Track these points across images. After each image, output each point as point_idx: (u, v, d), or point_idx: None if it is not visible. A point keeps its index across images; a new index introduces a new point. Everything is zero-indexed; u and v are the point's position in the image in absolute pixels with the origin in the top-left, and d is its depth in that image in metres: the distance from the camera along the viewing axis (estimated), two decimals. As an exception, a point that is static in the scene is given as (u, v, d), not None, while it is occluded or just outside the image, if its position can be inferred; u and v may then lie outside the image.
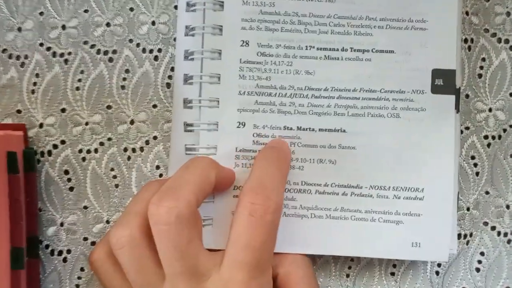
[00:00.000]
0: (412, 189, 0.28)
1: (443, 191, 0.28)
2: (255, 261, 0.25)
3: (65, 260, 0.31)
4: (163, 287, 0.25)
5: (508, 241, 0.31)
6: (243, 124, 0.29)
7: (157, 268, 0.25)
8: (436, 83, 0.29)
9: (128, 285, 0.26)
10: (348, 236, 0.28)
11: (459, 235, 0.31)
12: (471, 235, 0.31)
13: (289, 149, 0.29)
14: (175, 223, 0.24)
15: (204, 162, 0.27)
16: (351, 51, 0.29)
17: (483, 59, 0.32)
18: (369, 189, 0.29)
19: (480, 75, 0.32)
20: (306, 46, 0.29)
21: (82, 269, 0.31)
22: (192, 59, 0.29)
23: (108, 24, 0.31)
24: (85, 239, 0.31)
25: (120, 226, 0.25)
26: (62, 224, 0.31)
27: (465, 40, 0.32)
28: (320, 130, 0.29)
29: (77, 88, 0.31)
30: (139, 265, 0.25)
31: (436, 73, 0.29)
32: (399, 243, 0.28)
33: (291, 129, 0.29)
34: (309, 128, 0.29)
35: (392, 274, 0.31)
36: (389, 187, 0.28)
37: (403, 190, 0.28)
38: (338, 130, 0.29)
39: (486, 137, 0.32)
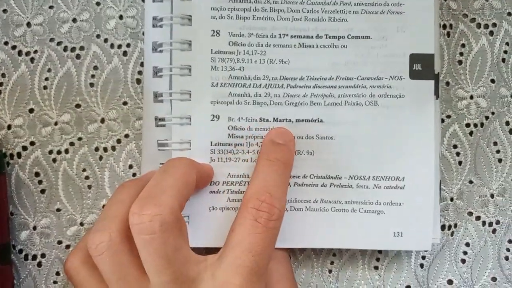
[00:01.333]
0: (393, 178, 0.28)
1: (424, 179, 0.28)
2: (255, 266, 0.24)
3: (39, 264, 0.30)
4: None
5: (493, 231, 0.31)
6: (217, 117, 0.28)
7: (140, 274, 0.24)
8: (414, 68, 0.28)
9: None
10: (329, 228, 0.28)
11: (443, 226, 0.30)
12: (455, 225, 0.31)
13: (294, 143, 0.28)
14: (159, 232, 0.23)
15: (183, 163, 0.26)
16: (326, 38, 0.28)
17: (463, 45, 0.31)
18: (349, 179, 0.28)
19: (460, 62, 0.31)
20: (280, 34, 0.28)
21: (57, 273, 0.30)
22: (161, 51, 0.28)
23: (74, 20, 0.30)
24: (60, 242, 0.30)
25: (98, 232, 0.24)
26: (35, 228, 0.30)
27: (444, 26, 0.31)
28: (297, 120, 0.28)
29: (45, 87, 0.30)
30: (121, 271, 0.24)
31: (414, 58, 0.28)
32: (380, 233, 0.27)
33: (267, 120, 0.28)
34: (286, 119, 0.28)
35: (376, 268, 0.30)
36: (369, 176, 0.28)
37: (383, 179, 0.28)
38: (315, 120, 0.28)
39: (468, 125, 0.31)
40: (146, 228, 0.23)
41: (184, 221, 0.24)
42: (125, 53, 0.30)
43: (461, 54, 0.31)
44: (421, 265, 0.30)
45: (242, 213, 0.25)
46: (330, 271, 0.30)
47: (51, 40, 0.30)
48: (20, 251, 0.30)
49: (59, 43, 0.30)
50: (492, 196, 0.31)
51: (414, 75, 0.28)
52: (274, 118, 0.28)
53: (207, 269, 0.24)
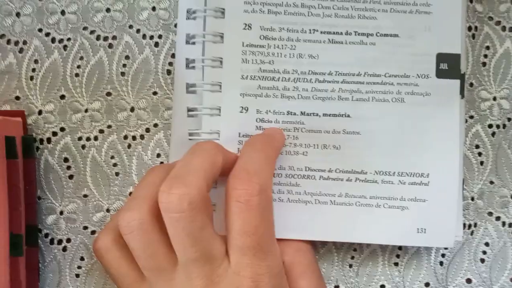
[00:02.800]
0: (417, 175, 0.28)
1: (449, 176, 0.28)
2: (256, 244, 0.24)
3: (64, 249, 0.30)
4: (176, 271, 0.25)
5: (513, 231, 0.31)
6: (246, 109, 0.28)
7: (169, 252, 0.25)
8: (440, 67, 0.28)
9: (135, 271, 0.26)
10: (353, 222, 0.28)
11: (463, 225, 0.31)
12: (475, 225, 0.31)
13: (282, 134, 0.28)
14: (187, 210, 0.23)
15: (210, 146, 0.26)
16: (355, 35, 0.28)
17: (487, 47, 0.31)
18: (374, 174, 0.28)
19: (484, 64, 0.31)
20: (310, 30, 0.28)
21: (82, 259, 0.30)
22: (194, 43, 0.28)
23: (108, 10, 0.31)
24: (85, 228, 0.30)
25: (129, 211, 0.25)
26: (61, 213, 0.30)
27: (469, 28, 0.31)
28: (324, 115, 0.28)
29: (77, 75, 0.31)
30: (151, 249, 0.25)
31: (441, 57, 0.28)
32: (404, 229, 0.28)
33: (294, 114, 0.28)
34: (313, 113, 0.28)
35: (396, 264, 0.31)
36: (394, 172, 0.28)
37: (408, 175, 0.28)
38: (342, 115, 0.28)
39: (490, 126, 0.31)
40: (174, 207, 0.23)
41: (210, 202, 0.25)
42: (156, 44, 0.31)
43: (485, 56, 0.31)
44: (441, 263, 0.31)
45: (226, 197, 0.25)
46: (350, 266, 0.31)
47: (84, 28, 0.31)
48: (46, 235, 0.30)
49: (92, 32, 0.31)
50: (512, 197, 0.31)
51: (440, 74, 0.28)
52: (301, 112, 0.28)
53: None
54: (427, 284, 0.31)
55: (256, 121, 0.28)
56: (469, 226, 0.31)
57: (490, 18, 0.31)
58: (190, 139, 0.28)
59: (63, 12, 0.31)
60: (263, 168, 0.26)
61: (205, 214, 0.24)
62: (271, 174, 0.26)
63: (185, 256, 0.24)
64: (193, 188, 0.24)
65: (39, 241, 0.30)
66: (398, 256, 0.31)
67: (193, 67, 0.28)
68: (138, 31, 0.31)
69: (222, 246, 0.25)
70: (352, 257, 0.31)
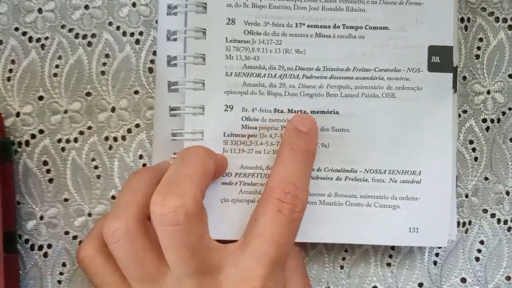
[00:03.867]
0: (409, 172, 0.27)
1: (441, 173, 0.27)
2: (278, 256, 0.24)
3: (45, 255, 0.29)
4: (166, 281, 0.24)
5: (508, 229, 0.30)
6: (231, 107, 0.27)
7: (158, 260, 0.24)
8: (432, 61, 0.27)
9: (121, 281, 0.25)
10: (343, 223, 0.27)
11: (457, 223, 0.30)
12: (470, 223, 0.30)
13: (317, 130, 0.27)
14: (184, 222, 0.22)
15: (201, 152, 0.25)
16: (344, 28, 0.27)
17: (480, 39, 0.30)
18: (364, 173, 0.27)
19: (477, 56, 0.30)
20: (296, 24, 0.27)
21: (64, 265, 0.29)
22: (175, 39, 0.27)
23: (86, 7, 0.29)
24: (67, 233, 0.29)
25: (114, 219, 0.24)
26: (42, 218, 0.29)
27: (462, 20, 0.30)
28: (312, 112, 0.27)
29: (55, 75, 0.29)
30: (138, 258, 0.24)
31: (433, 50, 0.27)
32: (396, 229, 0.27)
33: (282, 111, 0.27)
34: (301, 111, 0.27)
35: (388, 264, 0.30)
36: (385, 170, 0.27)
37: (399, 173, 0.27)
38: (331, 112, 0.27)
39: (484, 120, 0.30)
40: (170, 220, 0.22)
41: (204, 209, 0.24)
42: (137, 42, 0.29)
43: (479, 48, 0.30)
44: (435, 263, 0.30)
45: (265, 203, 0.25)
46: (341, 267, 0.30)
47: (63, 27, 0.29)
48: (27, 241, 0.29)
49: (70, 30, 0.29)
50: (507, 193, 0.30)
51: (432, 67, 0.27)
52: (289, 109, 0.27)
53: (228, 257, 0.24)
54: (420, 285, 0.30)
55: (242, 119, 0.27)
56: (464, 224, 0.30)
57: (483, 9, 0.30)
58: (173, 139, 0.27)
59: (40, 10, 0.29)
60: (306, 185, 0.26)
61: (201, 223, 0.23)
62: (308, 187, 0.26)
63: (181, 269, 0.23)
64: (188, 199, 0.23)
65: (19, 247, 0.29)
66: (390, 256, 0.30)
67: (175, 65, 0.27)
68: (118, 28, 0.29)
69: (221, 253, 0.24)
70: (344, 258, 0.30)
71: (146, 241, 0.24)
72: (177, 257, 0.23)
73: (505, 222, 0.30)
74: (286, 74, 0.27)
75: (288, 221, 0.24)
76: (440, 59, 0.27)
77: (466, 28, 0.30)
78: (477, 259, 0.30)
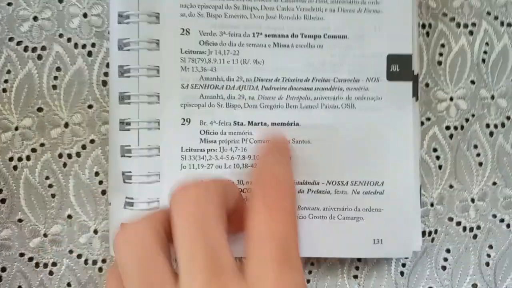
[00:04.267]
0: (372, 183, 0.27)
1: (404, 184, 0.27)
2: (281, 251, 0.21)
3: (0, 279, 0.28)
4: None
5: (474, 236, 0.30)
6: (188, 120, 0.26)
7: None
8: (391, 70, 0.27)
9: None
10: (306, 236, 0.26)
11: (423, 233, 0.29)
12: (436, 232, 0.30)
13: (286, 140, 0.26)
14: None
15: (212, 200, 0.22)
16: (302, 37, 0.27)
17: (442, 45, 0.30)
18: (327, 184, 0.26)
19: (439, 62, 0.30)
20: (253, 33, 0.26)
21: (19, 288, 0.28)
22: (128, 49, 0.26)
23: (35, 18, 0.28)
24: (22, 254, 0.28)
25: None
26: (-7, 240, 0.28)
27: (423, 25, 0.30)
28: (272, 124, 0.27)
29: (4, 90, 0.28)
30: None
31: (392, 59, 0.27)
32: (360, 241, 0.26)
33: (241, 124, 0.26)
34: (261, 123, 0.27)
35: (355, 276, 0.29)
36: (347, 181, 0.26)
37: (362, 184, 0.27)
38: (291, 123, 0.27)
39: (448, 127, 0.30)
40: None
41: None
42: (90, 54, 0.28)
43: (441, 54, 0.30)
44: (401, 273, 0.29)
45: (253, 204, 0.23)
46: (308, 281, 0.29)
47: (10, 39, 0.28)
48: (-22, 264, 0.28)
49: (19, 43, 0.28)
50: (472, 200, 0.30)
51: (391, 76, 0.27)
52: (248, 122, 0.26)
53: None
54: (388, 296, 0.29)
55: (200, 133, 0.26)
56: (430, 233, 0.30)
57: (444, 15, 0.30)
58: (125, 156, 0.26)
59: (-14, 22, 0.28)
60: (288, 172, 0.24)
61: None
62: (293, 178, 0.25)
63: None
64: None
65: (-31, 272, 0.28)
66: (357, 268, 0.29)
67: (128, 76, 0.26)
68: (69, 40, 0.28)
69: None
70: (310, 272, 0.29)
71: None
72: None
73: (471, 229, 0.30)
74: (245, 86, 0.26)
75: (277, 213, 0.22)
76: (399, 67, 0.27)
77: (428, 34, 0.30)
78: (444, 267, 0.30)
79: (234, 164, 0.26)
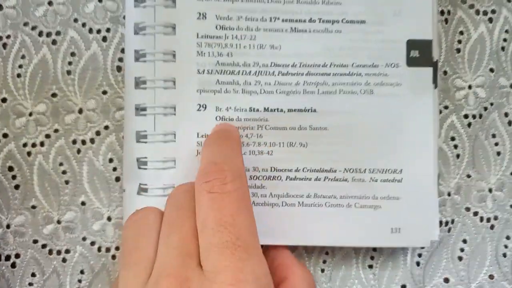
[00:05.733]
0: (390, 171, 0.26)
1: (423, 171, 0.26)
2: (235, 238, 0.20)
3: (13, 265, 0.28)
4: None
5: (491, 227, 0.29)
6: (204, 106, 0.26)
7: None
8: (411, 55, 0.26)
9: None
10: (323, 225, 0.26)
11: (440, 222, 0.29)
12: (452, 222, 0.29)
13: (235, 127, 0.26)
14: None
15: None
16: (320, 22, 0.26)
17: (461, 33, 0.30)
18: (344, 172, 0.26)
19: (458, 50, 0.30)
20: (270, 18, 0.26)
21: (33, 275, 0.28)
22: (144, 34, 0.26)
23: (50, 3, 0.28)
24: (35, 241, 0.28)
25: None
26: (8, 226, 0.28)
27: (442, 12, 0.29)
28: (289, 110, 0.26)
29: (18, 75, 0.28)
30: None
31: (411, 44, 0.26)
32: (377, 230, 0.26)
33: (257, 110, 0.26)
34: (277, 109, 0.26)
35: (370, 266, 0.29)
36: (365, 169, 0.26)
37: (380, 172, 0.26)
38: (308, 110, 0.26)
39: (466, 116, 0.30)
40: None
41: None
42: (104, 39, 0.28)
43: (459, 42, 0.30)
44: (417, 263, 0.29)
45: (196, 194, 0.22)
46: (322, 271, 0.29)
47: (25, 24, 0.28)
48: (-8, 251, 0.28)
49: (33, 28, 0.28)
50: (490, 190, 0.29)
51: (411, 62, 0.26)
52: (264, 108, 0.26)
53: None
54: (403, 286, 0.29)
55: (216, 119, 0.26)
56: (446, 223, 0.29)
57: (463, 1, 0.30)
58: (140, 142, 0.26)
59: (0, 7, 0.28)
60: (232, 156, 0.23)
61: None
62: (241, 162, 0.24)
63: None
64: None
65: (-17, 258, 0.28)
66: (372, 258, 0.29)
67: (144, 61, 0.26)
68: (84, 25, 0.28)
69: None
70: (324, 261, 0.29)
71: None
72: None
73: (488, 220, 0.29)
74: (261, 71, 0.26)
75: (223, 196, 0.21)
76: (419, 53, 0.26)
77: (446, 21, 0.30)
78: (460, 258, 0.29)
79: (250, 151, 0.26)
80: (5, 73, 0.28)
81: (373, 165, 0.26)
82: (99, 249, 0.28)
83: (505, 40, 0.30)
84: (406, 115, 0.26)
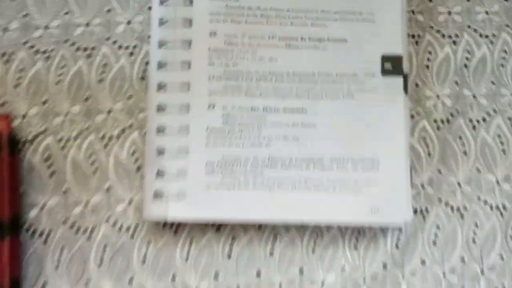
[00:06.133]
0: (369, 161, 0.31)
1: (397, 162, 0.31)
2: None
3: (45, 241, 0.32)
4: None
5: (461, 216, 0.34)
6: (213, 106, 0.31)
7: None
8: (385, 67, 0.32)
9: None
10: (313, 205, 0.31)
11: (415, 210, 0.34)
12: (426, 210, 0.34)
13: None
14: None
15: None
16: (309, 40, 0.32)
17: (430, 52, 0.35)
18: (330, 162, 0.31)
19: (427, 66, 0.35)
20: (269, 36, 0.32)
21: (62, 250, 0.32)
22: (165, 48, 0.32)
23: (87, 25, 0.34)
24: (65, 221, 0.32)
25: None
26: (43, 208, 0.32)
27: (413, 36, 0.35)
28: (283, 110, 0.31)
29: (58, 82, 0.33)
30: None
31: (385, 58, 0.32)
32: (359, 210, 0.31)
33: (257, 110, 0.31)
34: (274, 109, 0.31)
35: (355, 247, 0.33)
36: (348, 159, 0.31)
37: (360, 162, 0.31)
38: (300, 110, 0.32)
39: (435, 120, 0.35)
40: None
41: None
42: (131, 54, 0.34)
43: (428, 59, 0.35)
44: (397, 246, 0.33)
45: None
46: (313, 251, 0.33)
47: (65, 41, 0.34)
48: (28, 228, 0.32)
49: (72, 44, 0.34)
50: (459, 184, 0.34)
51: (385, 72, 0.32)
52: (263, 108, 0.31)
53: None
54: (384, 265, 0.33)
55: (223, 116, 0.31)
56: (421, 211, 0.34)
57: (431, 27, 0.36)
58: (159, 134, 0.31)
59: (46, 27, 0.34)
60: None
61: None
62: None
63: None
64: None
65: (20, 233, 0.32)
66: (357, 239, 0.33)
67: (165, 70, 0.32)
68: (114, 42, 0.34)
69: None
70: (314, 242, 0.33)
71: None
72: None
73: (458, 209, 0.34)
74: (261, 78, 0.32)
75: None
76: (391, 65, 0.32)
77: (417, 43, 0.35)
78: (434, 242, 0.34)
79: (251, 144, 0.31)
80: (47, 80, 0.33)
81: (354, 156, 0.31)
82: (120, 228, 0.33)
83: (467, 58, 0.35)
84: (382, 114, 0.32)
